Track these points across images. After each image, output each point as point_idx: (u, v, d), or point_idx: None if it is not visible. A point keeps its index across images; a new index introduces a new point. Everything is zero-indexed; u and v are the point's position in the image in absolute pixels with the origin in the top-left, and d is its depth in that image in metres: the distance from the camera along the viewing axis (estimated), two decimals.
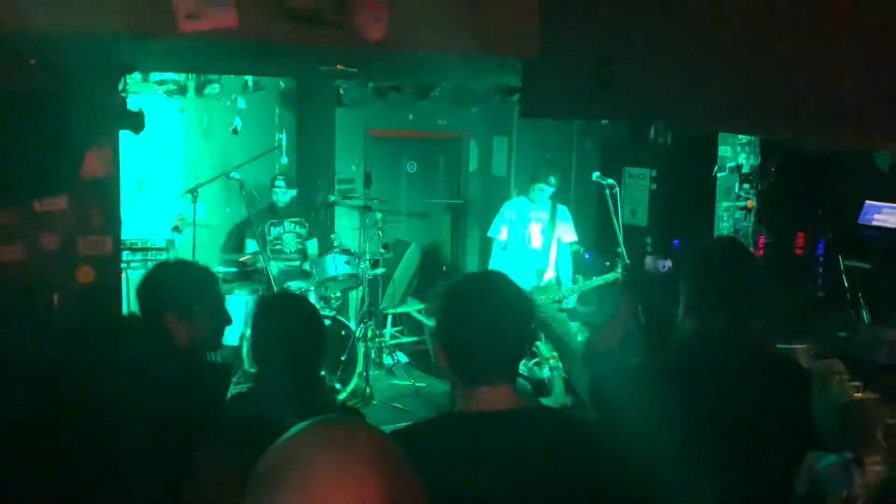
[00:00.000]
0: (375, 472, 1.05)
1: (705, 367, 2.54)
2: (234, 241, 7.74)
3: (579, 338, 7.33)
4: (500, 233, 6.91)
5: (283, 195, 7.27)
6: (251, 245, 7.19)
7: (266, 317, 2.88)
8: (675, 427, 2.36)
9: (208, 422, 2.57)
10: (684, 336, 2.67)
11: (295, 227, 7.43)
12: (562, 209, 6.98)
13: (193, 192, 6.79)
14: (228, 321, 2.87)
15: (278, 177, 7.29)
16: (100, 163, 3.36)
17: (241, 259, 7.12)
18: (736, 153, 6.49)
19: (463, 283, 2.11)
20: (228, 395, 2.98)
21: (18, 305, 3.45)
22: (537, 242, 6.89)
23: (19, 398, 3.11)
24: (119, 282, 3.83)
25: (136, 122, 3.43)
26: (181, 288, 2.80)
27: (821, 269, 7.42)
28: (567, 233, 6.98)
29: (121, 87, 3.52)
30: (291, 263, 7.32)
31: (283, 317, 2.84)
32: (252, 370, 6.40)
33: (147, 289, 2.83)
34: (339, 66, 3.48)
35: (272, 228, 7.29)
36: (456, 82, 6.10)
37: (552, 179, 6.69)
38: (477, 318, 1.94)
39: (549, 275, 6.89)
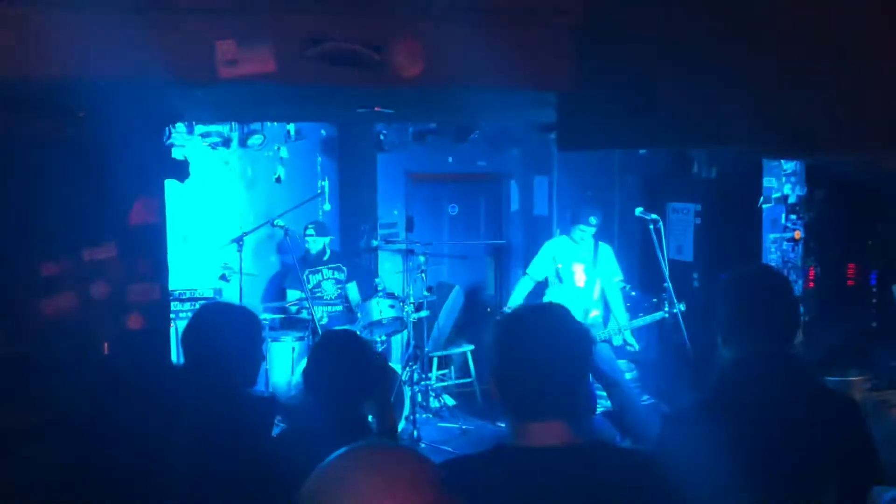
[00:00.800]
0: (417, 494, 1.05)
1: (747, 397, 2.50)
2: (276, 289, 7.83)
3: (627, 376, 7.26)
4: (538, 273, 6.90)
5: (315, 243, 7.33)
6: (293, 293, 7.27)
7: (317, 352, 2.99)
8: (724, 460, 2.32)
9: (255, 454, 2.62)
10: (724, 366, 2.64)
11: (333, 273, 7.49)
12: (604, 248, 6.95)
13: (239, 240, 6.90)
14: (263, 358, 2.98)
15: (309, 225, 7.35)
16: (147, 211, 3.43)
17: (286, 305, 7.20)
18: (781, 184, 6.40)
19: (519, 315, 2.07)
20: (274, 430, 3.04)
21: (69, 354, 3.51)
22: (581, 281, 6.85)
23: (71, 445, 3.16)
24: (168, 328, 3.88)
25: (181, 170, 3.51)
26: (230, 330, 2.87)
27: (874, 300, 7.27)
28: (611, 271, 6.95)
29: (166, 136, 3.61)
30: (334, 308, 7.37)
31: (333, 354, 2.93)
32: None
33: (198, 331, 2.89)
34: (376, 108, 3.53)
35: (311, 276, 7.35)
36: (492, 120, 6.13)
37: (592, 220, 6.68)
38: (529, 352, 1.89)
39: (594, 313, 6.85)
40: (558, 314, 2.01)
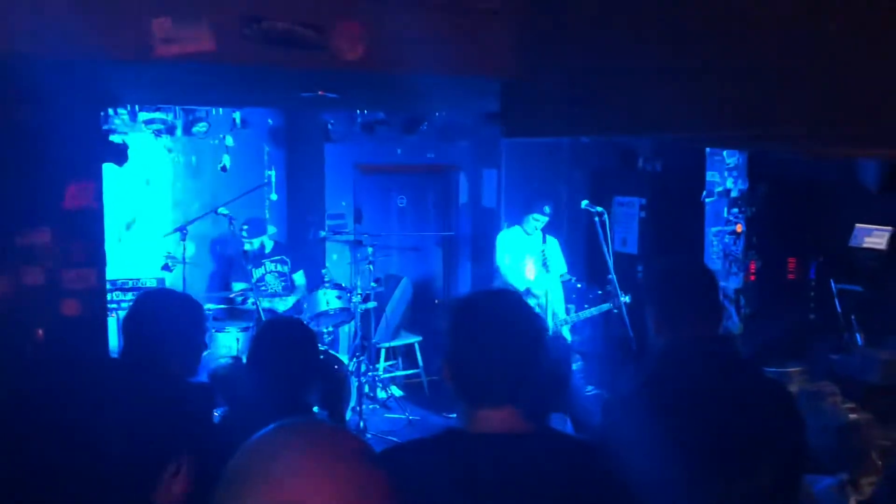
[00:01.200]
0: (339, 464, 1.04)
1: (682, 381, 2.56)
2: (222, 279, 7.73)
3: (573, 367, 7.32)
4: (505, 259, 6.92)
5: (250, 244, 7.20)
6: (237, 284, 7.20)
7: (260, 340, 2.97)
8: (661, 444, 2.36)
9: (197, 442, 2.57)
10: (659, 353, 2.69)
11: (276, 266, 7.41)
12: (551, 241, 7.01)
13: (182, 229, 6.79)
14: (205, 347, 2.93)
15: (243, 227, 7.16)
16: (83, 195, 3.34)
17: (231, 296, 7.11)
18: (724, 178, 6.52)
19: (473, 300, 2.06)
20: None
21: (2, 341, 3.42)
22: (531, 274, 6.90)
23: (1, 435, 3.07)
24: (105, 314, 3.79)
25: (119, 154, 3.42)
26: (170, 316, 2.82)
27: (813, 293, 7.44)
28: (557, 264, 7.01)
29: (103, 118, 3.51)
30: (279, 298, 7.29)
31: (277, 342, 2.92)
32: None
33: (138, 316, 2.84)
34: (320, 92, 3.48)
35: (254, 271, 7.26)
36: (438, 108, 6.11)
37: (547, 209, 6.75)
38: (482, 338, 1.89)
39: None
40: (512, 301, 2.02)
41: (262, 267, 7.34)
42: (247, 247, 7.14)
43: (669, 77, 2.57)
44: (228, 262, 7.62)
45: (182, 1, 2.57)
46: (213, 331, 6.71)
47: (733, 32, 2.45)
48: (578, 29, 2.76)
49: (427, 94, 3.72)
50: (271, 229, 7.49)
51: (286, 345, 2.91)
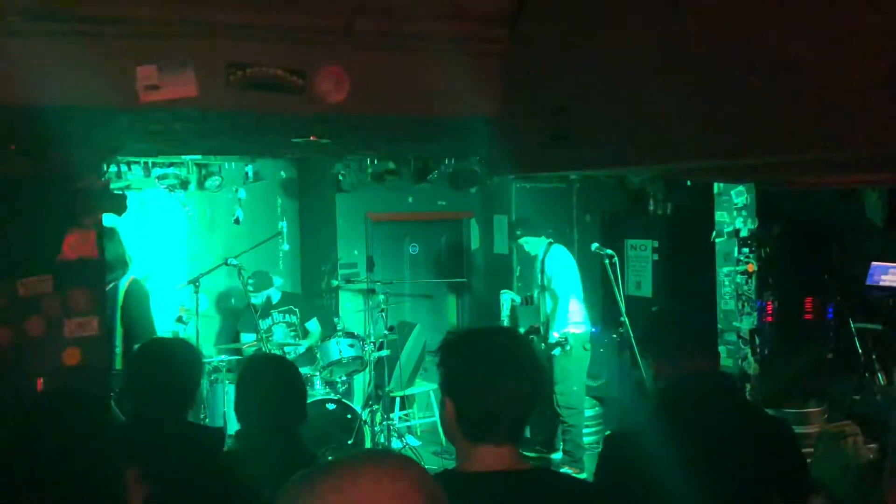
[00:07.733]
0: (414, 483, 1.07)
1: (684, 416, 2.56)
2: (231, 331, 7.77)
3: (590, 412, 7.26)
4: None
5: (256, 297, 7.25)
6: (246, 336, 7.22)
7: (245, 377, 3.00)
8: (666, 478, 2.36)
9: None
10: (660, 391, 2.70)
11: (284, 318, 7.43)
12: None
13: (195, 282, 6.84)
14: (197, 385, 3.01)
15: (249, 280, 7.14)
16: (84, 244, 3.40)
17: (240, 347, 7.12)
18: (733, 218, 6.48)
19: (475, 336, 2.05)
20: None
21: (2, 391, 3.44)
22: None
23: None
24: (106, 363, 3.82)
25: (118, 204, 3.49)
26: (184, 367, 2.88)
27: (831, 333, 7.36)
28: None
29: (115, 174, 3.58)
30: (288, 349, 7.27)
31: (262, 377, 2.94)
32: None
33: (134, 365, 2.92)
34: (312, 137, 3.54)
35: (261, 322, 7.28)
36: (428, 150, 6.14)
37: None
38: (490, 373, 1.89)
39: None
40: (514, 337, 2.05)
41: (270, 318, 7.37)
42: (253, 300, 7.14)
43: (647, 112, 2.58)
44: (236, 315, 7.67)
45: (169, 49, 2.64)
46: (226, 382, 6.72)
47: (720, 60, 2.46)
48: (559, 66, 2.80)
49: (417, 136, 3.75)
50: (277, 281, 7.53)
51: (271, 383, 2.93)
